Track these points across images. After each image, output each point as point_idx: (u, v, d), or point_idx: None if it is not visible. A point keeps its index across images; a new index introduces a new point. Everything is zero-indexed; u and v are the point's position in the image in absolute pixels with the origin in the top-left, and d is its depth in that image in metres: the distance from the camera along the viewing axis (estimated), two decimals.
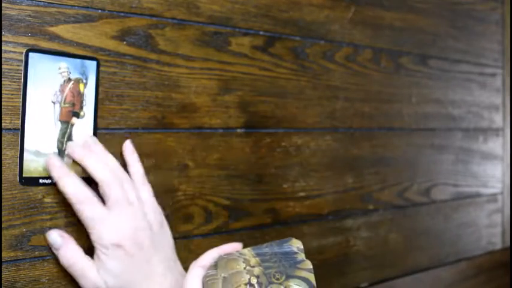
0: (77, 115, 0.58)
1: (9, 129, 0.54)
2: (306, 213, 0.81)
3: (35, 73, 0.55)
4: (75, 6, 0.58)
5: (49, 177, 0.56)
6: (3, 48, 0.53)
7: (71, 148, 0.56)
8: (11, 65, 0.53)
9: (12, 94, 0.54)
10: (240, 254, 0.55)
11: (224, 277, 0.53)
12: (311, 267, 0.53)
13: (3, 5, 0.53)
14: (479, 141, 1.13)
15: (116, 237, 0.54)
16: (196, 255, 0.58)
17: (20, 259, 0.55)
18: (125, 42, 0.62)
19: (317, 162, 0.82)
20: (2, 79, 0.53)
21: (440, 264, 1.04)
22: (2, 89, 0.53)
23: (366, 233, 0.90)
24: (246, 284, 0.52)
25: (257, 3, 0.74)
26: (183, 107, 0.67)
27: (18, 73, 0.54)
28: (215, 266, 0.55)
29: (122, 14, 0.62)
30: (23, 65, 0.54)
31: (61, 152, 0.57)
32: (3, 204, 0.53)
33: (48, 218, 0.56)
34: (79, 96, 0.58)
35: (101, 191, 0.55)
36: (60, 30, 0.57)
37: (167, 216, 0.61)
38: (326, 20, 0.83)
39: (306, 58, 0.80)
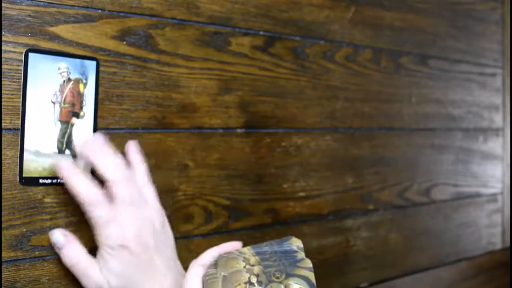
0: (76, 115, 0.58)
1: (9, 129, 0.54)
2: (306, 213, 0.81)
3: (35, 73, 0.55)
4: (75, 6, 0.58)
5: (49, 177, 0.56)
6: (3, 48, 0.53)
7: (82, 145, 0.56)
8: (11, 65, 0.53)
9: (12, 94, 0.54)
10: (240, 252, 0.55)
11: (224, 276, 0.53)
12: (311, 265, 0.53)
13: (3, 5, 0.53)
14: (479, 141, 1.13)
15: (122, 238, 0.54)
16: (197, 255, 0.58)
17: (20, 259, 0.55)
18: (125, 42, 0.62)
19: (317, 162, 0.82)
20: (2, 79, 0.53)
21: (440, 264, 1.04)
22: (2, 89, 0.53)
23: (366, 233, 0.90)
24: (245, 283, 0.52)
25: (257, 3, 0.74)
26: (183, 107, 0.67)
27: (18, 73, 0.54)
28: (215, 264, 0.55)
29: (122, 14, 0.62)
30: (23, 65, 0.54)
31: (61, 152, 0.57)
32: (3, 204, 0.53)
33: (48, 218, 0.56)
34: (79, 96, 0.58)
35: (108, 189, 0.55)
36: (60, 30, 0.57)
37: (168, 217, 0.61)
38: (326, 20, 0.83)
39: (306, 58, 0.80)
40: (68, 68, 0.57)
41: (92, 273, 0.54)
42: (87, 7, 0.59)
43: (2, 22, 0.53)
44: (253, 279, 0.52)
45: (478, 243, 1.14)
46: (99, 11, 0.60)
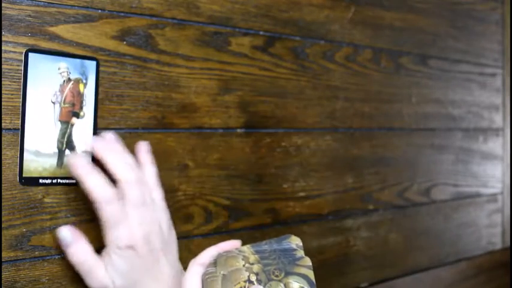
0: (76, 115, 0.58)
1: (9, 129, 0.54)
2: (306, 213, 0.81)
3: (35, 73, 0.55)
4: (75, 6, 0.58)
5: (49, 177, 0.56)
6: (3, 48, 0.53)
7: (93, 143, 0.55)
8: (11, 65, 0.53)
9: (12, 94, 0.54)
10: (239, 251, 0.55)
11: (223, 274, 0.53)
12: (310, 264, 0.53)
13: (3, 5, 0.53)
14: (479, 141, 1.13)
15: (130, 239, 0.53)
16: (196, 255, 0.58)
17: (20, 259, 0.55)
18: (124, 42, 0.62)
19: (317, 162, 0.82)
20: (2, 79, 0.53)
21: (440, 264, 1.04)
22: (2, 89, 0.53)
23: (366, 233, 0.90)
24: (245, 281, 0.52)
25: (257, 3, 0.74)
26: (183, 107, 0.67)
27: (18, 73, 0.54)
28: (214, 263, 0.55)
29: (122, 14, 0.62)
30: (23, 65, 0.54)
31: (61, 152, 0.57)
32: (3, 204, 0.53)
33: (48, 218, 0.56)
34: (79, 96, 0.58)
35: (119, 188, 0.55)
36: (60, 30, 0.57)
37: None
38: (326, 20, 0.83)
39: (306, 58, 0.80)
40: (68, 68, 0.57)
41: (97, 272, 0.54)
42: (87, 7, 0.59)
43: (2, 22, 0.53)
44: (253, 278, 0.52)
45: (478, 243, 1.14)
46: (99, 11, 0.60)
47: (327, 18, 0.83)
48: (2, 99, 0.53)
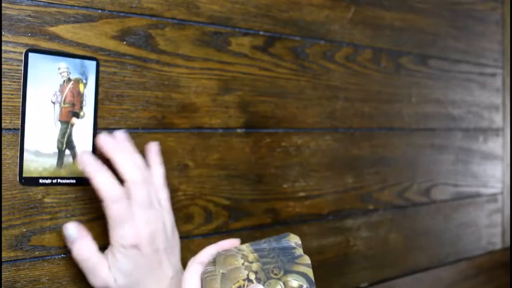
0: (76, 115, 0.58)
1: (9, 129, 0.54)
2: (306, 213, 0.81)
3: (35, 73, 0.55)
4: (75, 6, 0.58)
5: (49, 177, 0.56)
6: (3, 48, 0.53)
7: (102, 141, 0.56)
8: (11, 65, 0.53)
9: (12, 94, 0.54)
10: (238, 250, 0.55)
11: (222, 273, 0.53)
12: (309, 262, 0.53)
13: (3, 5, 0.53)
14: (479, 141, 1.13)
15: (135, 238, 0.54)
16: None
17: (20, 259, 0.55)
18: (124, 42, 0.62)
19: (317, 162, 0.82)
20: (2, 79, 0.53)
21: (440, 264, 1.04)
22: (2, 89, 0.53)
23: (366, 233, 0.90)
24: (244, 280, 0.52)
25: (257, 3, 0.74)
26: (183, 107, 0.67)
27: (18, 73, 0.54)
28: (213, 262, 0.55)
29: (122, 14, 0.62)
30: (23, 65, 0.54)
31: (61, 152, 0.57)
32: (3, 204, 0.53)
33: (48, 218, 0.56)
34: (79, 96, 0.58)
35: (125, 188, 0.55)
36: (60, 30, 0.57)
37: None
38: (326, 20, 0.83)
39: (306, 58, 0.80)
40: (68, 68, 0.57)
41: (100, 270, 0.54)
42: (87, 7, 0.59)
43: (2, 22, 0.53)
44: (252, 276, 0.52)
45: (478, 243, 1.14)
46: (99, 11, 0.60)
47: (327, 18, 0.83)
48: (2, 99, 0.53)
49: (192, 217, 0.68)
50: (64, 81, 0.56)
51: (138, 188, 0.54)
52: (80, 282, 0.58)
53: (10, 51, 0.53)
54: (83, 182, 0.58)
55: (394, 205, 0.95)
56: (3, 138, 0.53)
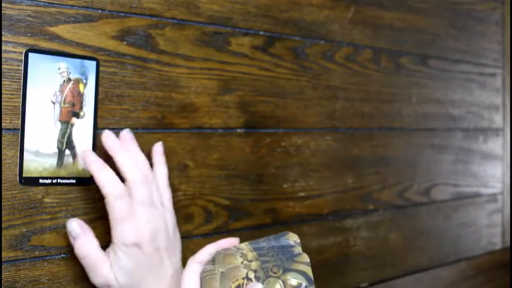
0: (76, 115, 0.58)
1: (9, 129, 0.54)
2: (306, 213, 0.81)
3: (35, 73, 0.55)
4: (75, 6, 0.58)
5: (49, 177, 0.56)
6: (3, 48, 0.53)
7: (106, 138, 0.56)
8: (11, 65, 0.53)
9: (12, 94, 0.54)
10: (237, 248, 0.55)
11: (222, 272, 0.53)
12: (308, 260, 0.53)
13: (3, 5, 0.53)
14: (479, 141, 1.13)
15: (137, 237, 0.54)
16: None
17: (20, 259, 0.55)
18: (124, 42, 0.62)
19: (317, 162, 0.82)
20: (2, 79, 0.53)
21: (440, 264, 1.04)
22: (2, 89, 0.53)
23: (366, 233, 0.90)
24: (243, 279, 0.52)
25: (257, 3, 0.74)
26: (183, 107, 0.67)
27: (18, 73, 0.54)
28: (213, 261, 0.55)
29: (122, 14, 0.62)
30: (23, 65, 0.54)
31: (61, 152, 0.57)
32: (3, 204, 0.53)
33: (48, 218, 0.56)
34: (79, 96, 0.58)
35: (127, 187, 0.55)
36: (60, 30, 0.57)
37: None
38: (326, 20, 0.83)
39: (306, 58, 0.80)
40: (68, 68, 0.57)
41: (101, 268, 0.54)
42: (87, 7, 0.59)
43: (2, 22, 0.53)
44: (251, 275, 0.52)
45: (478, 243, 1.14)
46: (99, 11, 0.60)
47: (327, 18, 0.83)
48: (2, 99, 0.53)
49: (192, 217, 0.68)
50: (64, 81, 0.57)
51: (138, 188, 0.55)
52: (80, 282, 0.58)
53: (10, 51, 0.53)
54: (83, 182, 0.58)
55: (394, 205, 0.95)
56: (3, 138, 0.53)
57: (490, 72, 1.16)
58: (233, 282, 0.52)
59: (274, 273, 0.52)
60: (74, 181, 0.58)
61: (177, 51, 0.66)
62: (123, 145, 0.56)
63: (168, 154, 0.65)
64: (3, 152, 0.53)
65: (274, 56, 0.76)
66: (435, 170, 1.03)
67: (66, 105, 0.57)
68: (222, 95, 0.70)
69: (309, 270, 0.53)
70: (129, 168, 0.55)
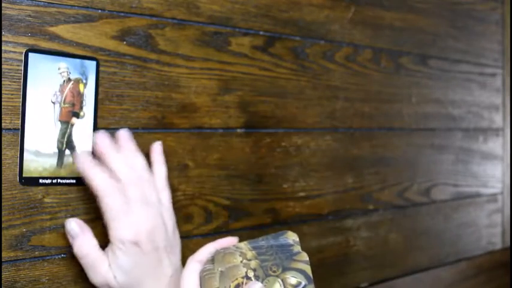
0: (76, 115, 0.58)
1: (9, 129, 0.54)
2: (306, 213, 0.81)
3: (35, 73, 0.55)
4: (75, 6, 0.58)
5: (49, 177, 0.56)
6: (3, 48, 0.53)
7: (97, 140, 0.56)
8: (11, 65, 0.53)
9: (12, 94, 0.54)
10: (237, 247, 0.55)
11: (221, 271, 0.53)
12: (307, 259, 0.53)
13: (3, 5, 0.53)
14: (479, 141, 1.13)
15: (134, 234, 0.54)
16: None
17: (20, 259, 0.55)
18: (124, 42, 0.62)
19: (317, 162, 0.82)
20: (2, 79, 0.53)
21: (440, 264, 1.04)
22: (2, 89, 0.53)
23: (366, 233, 0.90)
24: (243, 278, 0.52)
25: (257, 3, 0.74)
26: (183, 107, 0.67)
27: (18, 73, 0.54)
28: (212, 260, 0.55)
29: (122, 14, 0.62)
30: (23, 65, 0.54)
31: (61, 152, 0.57)
32: (3, 204, 0.53)
33: (48, 218, 0.56)
34: (79, 96, 0.58)
35: (120, 187, 0.55)
36: (60, 30, 0.57)
37: None
38: (326, 20, 0.83)
39: (306, 58, 0.80)
40: (68, 68, 0.57)
41: (100, 267, 0.54)
42: (87, 7, 0.59)
43: (2, 22, 0.53)
44: (250, 274, 0.52)
45: (478, 243, 1.14)
46: (99, 11, 0.60)
47: (327, 18, 0.83)
48: (2, 99, 0.53)
49: (191, 217, 0.68)
50: (64, 81, 0.57)
51: (129, 189, 0.55)
52: (80, 282, 0.58)
53: (10, 51, 0.53)
54: (83, 182, 0.58)
55: (394, 205, 0.95)
56: (3, 138, 0.53)
57: (490, 72, 1.16)
58: (232, 281, 0.52)
59: (274, 272, 0.52)
60: (74, 181, 0.58)
61: (177, 51, 0.66)
62: (115, 146, 0.56)
63: (168, 154, 0.65)
64: (3, 152, 0.53)
65: (274, 56, 0.76)
66: (435, 170, 1.03)
67: (66, 105, 0.57)
68: (222, 95, 0.71)
69: (308, 269, 0.53)
70: (121, 167, 0.55)
